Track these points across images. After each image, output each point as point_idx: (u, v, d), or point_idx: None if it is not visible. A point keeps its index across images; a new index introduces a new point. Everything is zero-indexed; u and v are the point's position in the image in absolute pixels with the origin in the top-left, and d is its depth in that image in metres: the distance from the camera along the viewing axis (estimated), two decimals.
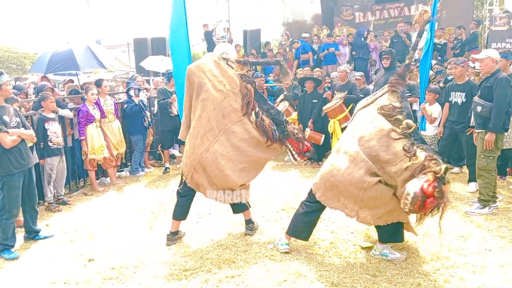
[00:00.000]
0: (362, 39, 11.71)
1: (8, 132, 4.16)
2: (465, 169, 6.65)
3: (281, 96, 7.96)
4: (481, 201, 4.98)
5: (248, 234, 4.50)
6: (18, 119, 4.38)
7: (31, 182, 4.52)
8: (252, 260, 3.92)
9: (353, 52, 11.77)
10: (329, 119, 7.32)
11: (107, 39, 29.09)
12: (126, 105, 7.20)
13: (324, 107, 7.25)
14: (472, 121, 5.29)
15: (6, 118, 4.20)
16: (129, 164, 7.63)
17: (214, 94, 4.04)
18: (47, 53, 8.06)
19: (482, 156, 4.95)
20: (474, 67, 7.11)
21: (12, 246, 4.33)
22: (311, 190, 3.95)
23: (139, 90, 7.46)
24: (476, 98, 4.96)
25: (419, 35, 4.26)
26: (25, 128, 4.43)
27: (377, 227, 3.85)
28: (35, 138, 5.00)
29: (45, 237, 4.68)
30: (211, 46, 13.06)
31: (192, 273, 3.70)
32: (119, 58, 28.76)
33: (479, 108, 4.86)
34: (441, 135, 6.06)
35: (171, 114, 7.24)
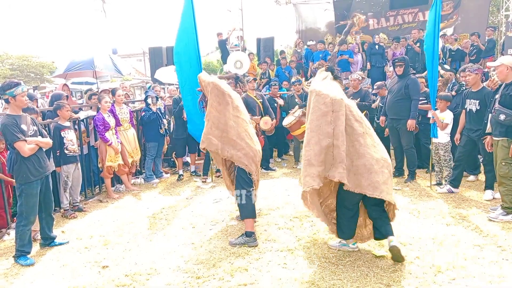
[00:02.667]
0: (377, 47, 11.65)
1: (26, 141, 4.25)
2: (480, 177, 6.56)
3: (296, 107, 7.94)
4: (505, 208, 4.90)
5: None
6: (35, 128, 4.47)
7: (48, 189, 4.60)
8: (264, 268, 3.91)
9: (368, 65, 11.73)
10: None
11: (123, 48, 29.59)
12: (143, 113, 7.34)
13: None
14: (488, 128, 5.21)
15: (24, 127, 4.29)
16: (144, 171, 7.72)
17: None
18: (66, 60, 8.65)
19: (503, 163, 4.86)
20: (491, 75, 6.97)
21: (28, 253, 4.39)
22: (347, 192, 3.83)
23: (157, 98, 7.57)
24: (497, 106, 4.88)
25: (340, 43, 4.71)
26: (42, 136, 4.52)
27: (381, 220, 3.97)
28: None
29: (60, 244, 4.75)
30: (225, 55, 13.14)
31: (204, 281, 3.71)
32: (135, 67, 29.19)
33: (502, 117, 4.77)
34: (458, 143, 5.98)
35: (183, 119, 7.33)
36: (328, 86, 4.00)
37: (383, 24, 14.59)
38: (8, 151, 4.81)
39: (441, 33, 10.77)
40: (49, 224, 4.71)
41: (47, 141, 4.57)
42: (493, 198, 5.59)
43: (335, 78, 4.23)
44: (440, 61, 10.05)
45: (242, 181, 4.56)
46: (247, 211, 4.60)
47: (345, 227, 4.11)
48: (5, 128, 4.19)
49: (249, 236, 4.49)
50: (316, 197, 4.11)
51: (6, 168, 4.87)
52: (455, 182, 6.00)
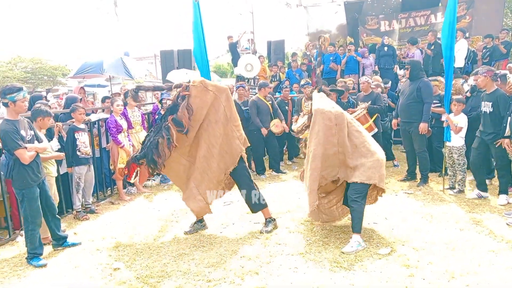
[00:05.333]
0: (386, 48, 11.56)
1: (26, 148, 4.19)
2: (494, 181, 6.46)
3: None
4: None
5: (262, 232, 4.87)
6: (32, 132, 4.41)
7: (46, 192, 4.54)
8: (275, 271, 3.89)
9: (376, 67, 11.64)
10: None
11: (135, 51, 29.86)
12: (156, 116, 7.42)
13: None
14: (507, 131, 5.14)
15: (22, 132, 4.22)
16: (156, 174, 7.74)
17: None
18: (79, 62, 8.73)
19: None
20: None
21: (41, 254, 4.42)
22: (356, 184, 4.37)
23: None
24: None
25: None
26: (39, 141, 4.48)
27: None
28: (62, 155, 5.26)
29: (73, 244, 4.76)
30: (235, 58, 13.16)
31: (215, 284, 3.70)
32: (148, 69, 29.42)
33: None
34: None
35: None
36: (328, 103, 4.66)
37: (395, 27, 14.48)
38: (1, 157, 4.60)
39: (462, 35, 10.64)
40: (57, 225, 4.70)
41: (44, 146, 4.55)
42: (508, 203, 5.50)
43: (327, 95, 4.84)
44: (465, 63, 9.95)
45: (247, 183, 4.91)
46: (261, 204, 4.95)
47: (361, 220, 4.41)
48: (6, 135, 4.11)
49: (274, 220, 5.03)
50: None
51: (2, 173, 4.74)
52: (482, 186, 5.89)
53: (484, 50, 10.97)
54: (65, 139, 5.74)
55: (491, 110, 5.51)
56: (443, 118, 6.67)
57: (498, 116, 5.44)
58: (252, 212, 5.05)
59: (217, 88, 4.75)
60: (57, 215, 4.74)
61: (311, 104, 4.71)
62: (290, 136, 8.61)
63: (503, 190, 5.63)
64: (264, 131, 7.65)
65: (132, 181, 4.98)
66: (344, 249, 4.26)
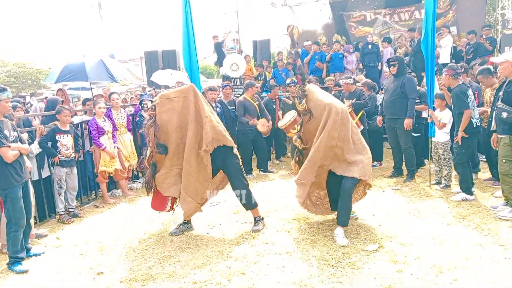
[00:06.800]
0: (370, 46, 11.61)
1: (10, 147, 4.15)
2: (480, 175, 6.53)
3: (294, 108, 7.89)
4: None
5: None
6: (15, 133, 4.37)
7: (27, 195, 4.47)
8: (262, 271, 3.84)
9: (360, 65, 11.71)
10: None
11: (120, 53, 29.50)
12: (138, 118, 7.27)
13: None
14: (493, 126, 5.16)
15: (6, 132, 4.19)
16: (141, 176, 7.64)
17: None
18: (61, 65, 8.38)
19: (504, 161, 4.81)
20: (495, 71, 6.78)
21: (22, 259, 4.31)
22: (348, 179, 4.43)
23: (152, 102, 7.50)
24: (500, 104, 4.83)
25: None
26: (22, 142, 4.43)
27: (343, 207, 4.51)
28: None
29: (35, 255, 4.57)
30: (221, 58, 13.11)
31: (201, 286, 3.64)
32: (132, 72, 29.14)
33: (504, 115, 4.70)
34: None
35: None
36: (334, 98, 4.76)
37: (379, 17, 14.61)
38: None
39: (448, 31, 10.75)
40: (26, 233, 4.51)
41: (27, 147, 4.51)
42: (462, 200, 5.49)
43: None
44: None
45: (239, 182, 4.82)
46: (251, 203, 4.90)
47: (349, 213, 4.58)
48: None
49: (262, 219, 4.98)
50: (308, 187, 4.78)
51: None
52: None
53: (467, 47, 11.07)
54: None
55: (453, 106, 5.57)
56: (424, 114, 6.70)
57: (456, 113, 5.51)
58: (246, 209, 5.01)
59: (181, 91, 4.71)
60: (30, 222, 4.57)
61: (305, 101, 4.69)
62: (277, 135, 8.58)
63: (462, 187, 5.64)
64: (254, 121, 7.56)
65: (171, 208, 5.10)
66: (339, 243, 4.36)
